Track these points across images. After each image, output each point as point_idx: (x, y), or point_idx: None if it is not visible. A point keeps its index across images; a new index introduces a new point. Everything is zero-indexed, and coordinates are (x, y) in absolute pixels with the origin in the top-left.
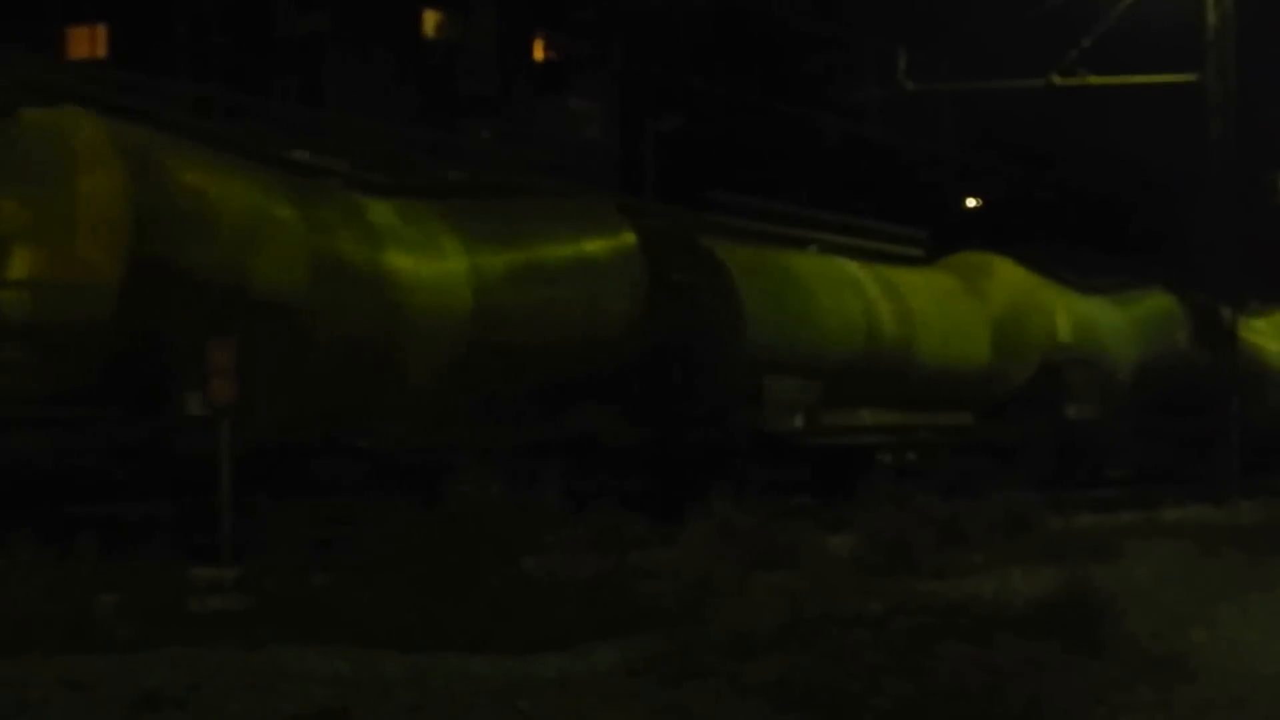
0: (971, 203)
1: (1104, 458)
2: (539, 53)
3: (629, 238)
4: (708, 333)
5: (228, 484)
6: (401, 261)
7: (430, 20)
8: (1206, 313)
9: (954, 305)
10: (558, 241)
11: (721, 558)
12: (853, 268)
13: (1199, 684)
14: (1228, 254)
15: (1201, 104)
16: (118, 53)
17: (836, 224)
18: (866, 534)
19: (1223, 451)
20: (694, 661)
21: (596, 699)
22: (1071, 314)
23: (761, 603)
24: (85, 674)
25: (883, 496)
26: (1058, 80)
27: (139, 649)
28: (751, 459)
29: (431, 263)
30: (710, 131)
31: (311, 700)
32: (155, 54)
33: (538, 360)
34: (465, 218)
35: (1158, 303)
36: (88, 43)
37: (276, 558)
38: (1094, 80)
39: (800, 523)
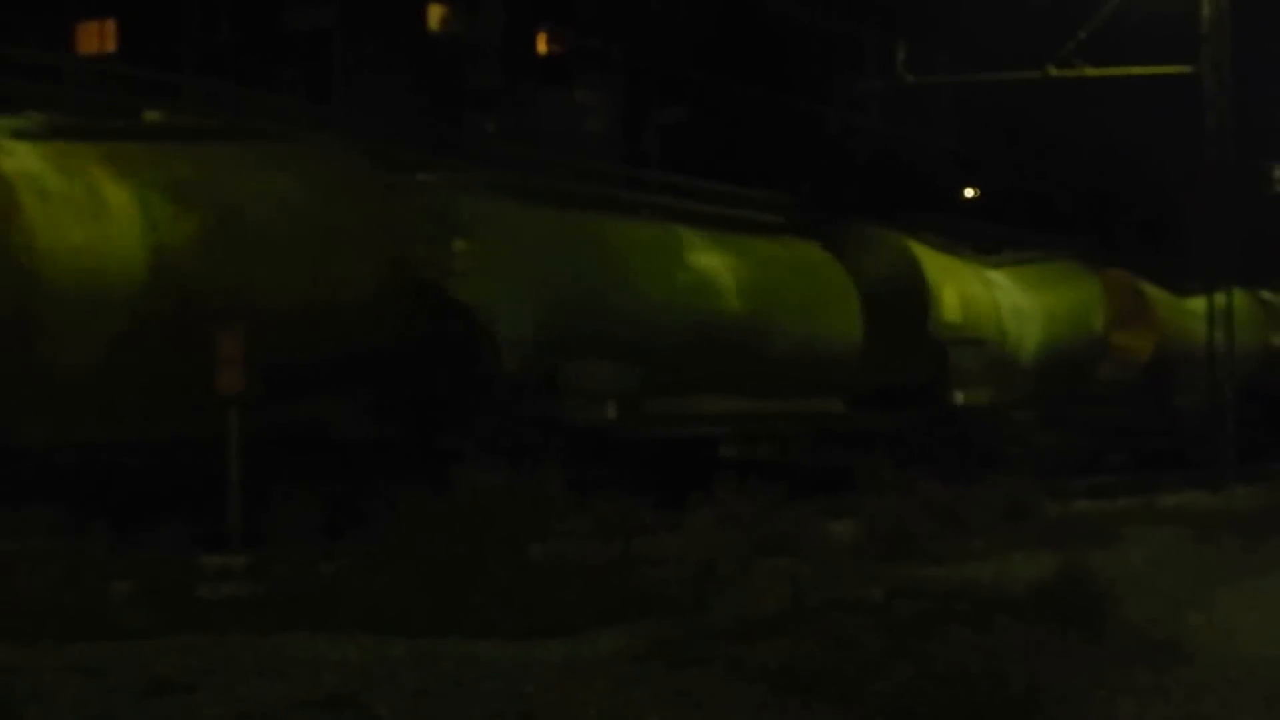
0: (970, 193)
1: (999, 449)
2: (543, 46)
3: (372, 192)
4: (471, 312)
5: (236, 472)
6: (39, 218)
7: (435, 14)
8: (1133, 295)
9: (821, 279)
10: (272, 196)
11: (724, 544)
12: (687, 235)
13: (1196, 667)
14: (1223, 244)
15: (1197, 95)
16: (127, 48)
17: (682, 189)
18: (867, 520)
19: (1218, 438)
20: (697, 647)
21: (601, 684)
22: (963, 292)
23: (764, 588)
24: (97, 660)
25: (884, 483)
26: (1054, 72)
27: (150, 636)
28: (550, 454)
29: (86, 221)
30: (713, 124)
31: (320, 686)
32: (163, 48)
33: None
34: (142, 165)
35: (1075, 284)
36: (96, 38)
37: (286, 545)
38: (1090, 72)
39: (802, 509)
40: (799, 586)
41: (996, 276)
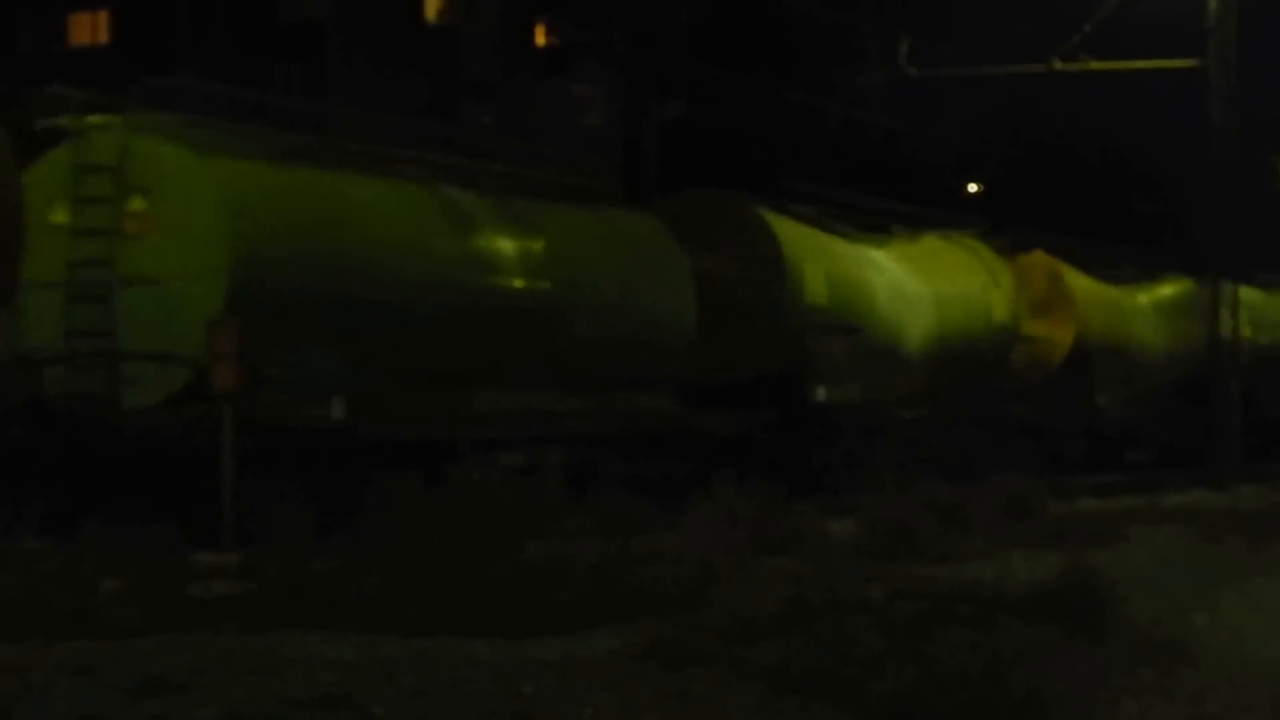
0: (973, 188)
1: (868, 452)
2: (541, 38)
3: None
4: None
5: (230, 470)
6: None
7: (432, 5)
8: (1051, 281)
9: (644, 254)
10: None
11: (724, 543)
12: (460, 199)
13: (1200, 668)
14: (1228, 238)
15: (1203, 89)
16: (119, 39)
17: (471, 146)
18: (868, 519)
19: (1223, 436)
20: (696, 646)
21: (598, 683)
22: (832, 272)
23: (763, 587)
24: (88, 659)
25: (885, 481)
26: (1059, 65)
27: (142, 634)
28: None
29: None
30: (713, 118)
31: (314, 685)
32: (157, 40)
33: None
34: None
35: (978, 267)
36: (89, 29)
37: (279, 543)
38: (1095, 65)
39: (802, 508)
40: (799, 585)
41: (881, 257)
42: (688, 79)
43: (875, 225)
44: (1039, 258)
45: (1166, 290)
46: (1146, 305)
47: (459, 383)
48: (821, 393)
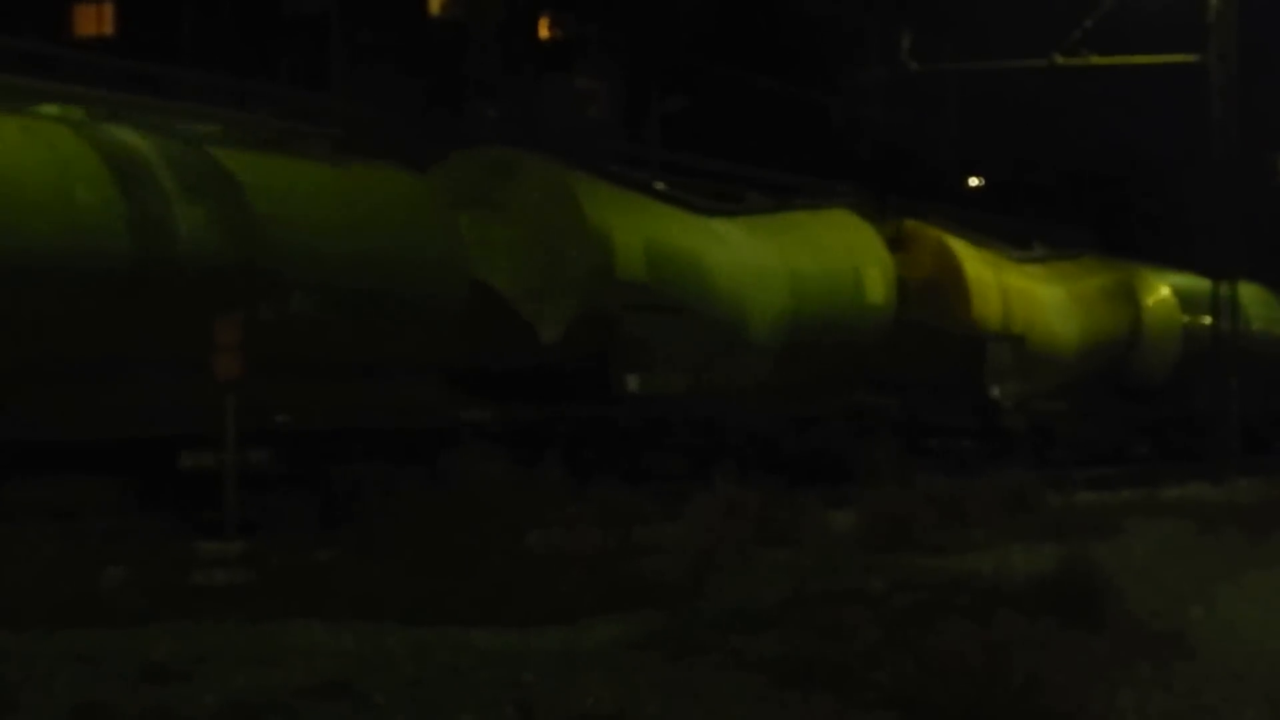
0: (974, 182)
1: (697, 450)
2: (544, 32)
3: None
4: None
5: (232, 459)
6: None
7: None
8: (943, 257)
9: (397, 218)
10: None
11: (724, 534)
12: (123, 139)
13: (1198, 660)
14: (1228, 235)
15: (1203, 85)
16: (124, 31)
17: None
18: (868, 511)
19: (1221, 430)
20: (696, 636)
21: (599, 673)
22: (655, 244)
23: (763, 579)
24: (92, 647)
25: (885, 474)
26: (1060, 60)
27: (145, 622)
28: None
29: None
30: (715, 112)
31: (316, 673)
32: (162, 33)
33: None
34: None
35: (847, 241)
36: (94, 21)
37: (281, 532)
38: (1096, 60)
39: (802, 500)
40: (799, 577)
41: (726, 229)
42: (690, 74)
43: (728, 194)
44: (927, 234)
45: (1085, 274)
46: (1059, 290)
47: (102, 368)
48: (634, 382)
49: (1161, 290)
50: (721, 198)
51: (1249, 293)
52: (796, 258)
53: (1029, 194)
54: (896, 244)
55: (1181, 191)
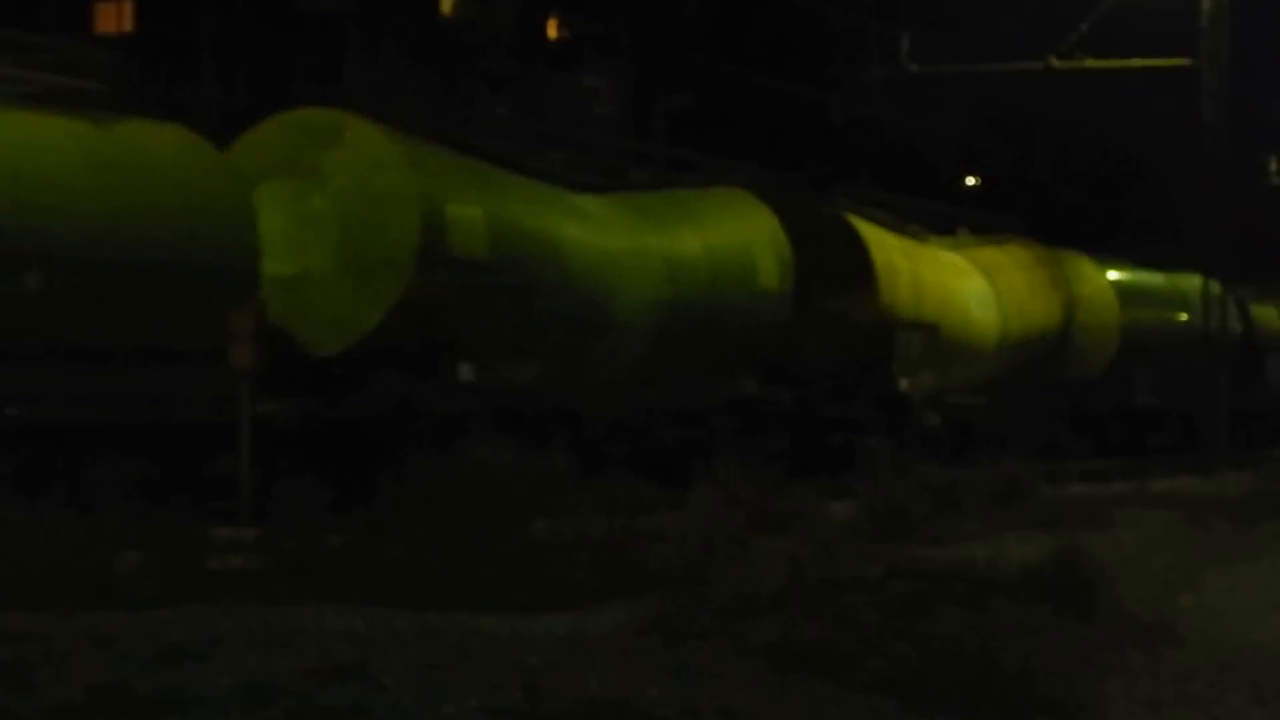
0: (970, 181)
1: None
2: (553, 32)
3: None
4: None
5: (248, 446)
6: None
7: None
8: (848, 245)
9: (168, 182)
10: None
11: (725, 523)
12: None
13: (1186, 649)
14: (1221, 236)
15: (1196, 88)
16: (144, 28)
17: None
18: (866, 501)
19: (1211, 424)
20: (698, 622)
21: (603, 657)
22: (501, 220)
23: (763, 566)
24: (108, 629)
25: (881, 465)
26: (1056, 63)
27: (160, 605)
28: None
29: None
30: (720, 110)
31: (328, 656)
32: (181, 30)
33: None
34: None
35: (732, 221)
36: (114, 19)
37: (295, 518)
38: (1092, 63)
39: (802, 489)
40: (798, 564)
41: (592, 206)
42: (695, 72)
43: (610, 170)
44: (835, 216)
45: (1012, 264)
46: (980, 280)
47: None
48: (467, 371)
49: (1097, 281)
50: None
51: (1194, 286)
52: (677, 238)
53: (1025, 194)
54: (799, 226)
55: (1174, 192)
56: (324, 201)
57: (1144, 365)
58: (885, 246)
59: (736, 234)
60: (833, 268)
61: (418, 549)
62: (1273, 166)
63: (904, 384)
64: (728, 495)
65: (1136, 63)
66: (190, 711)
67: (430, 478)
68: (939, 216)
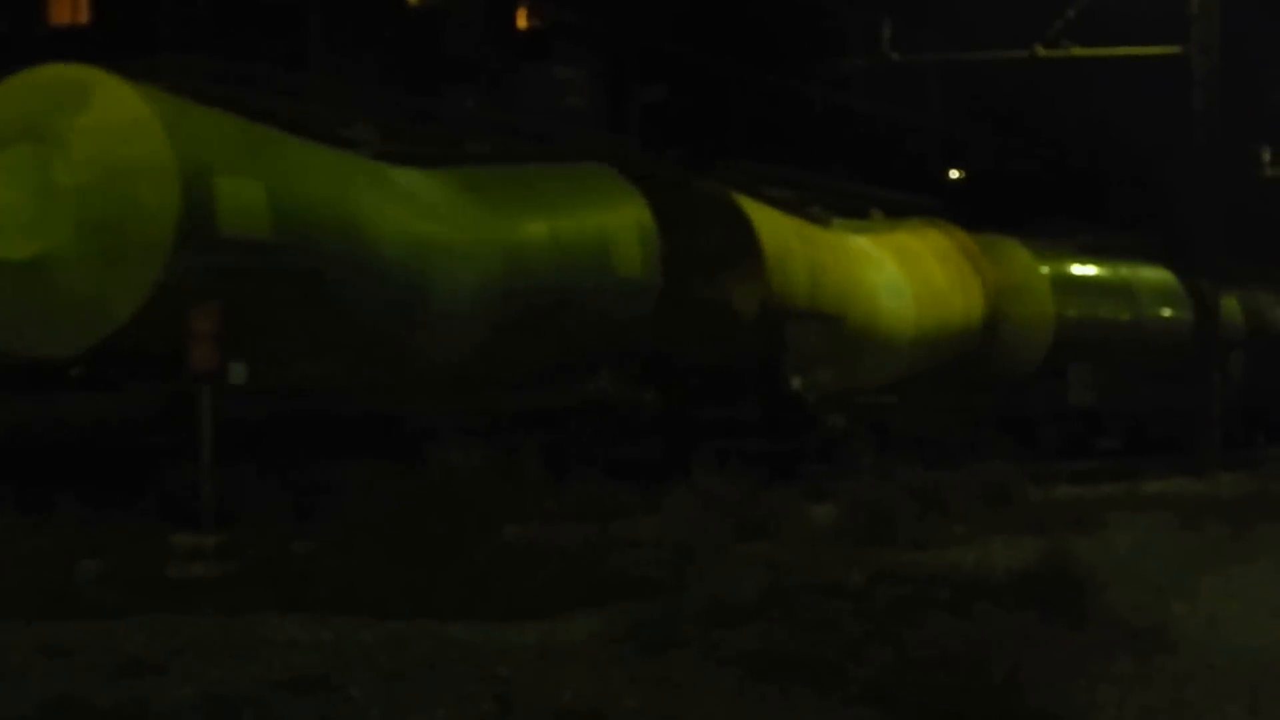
0: (954, 174)
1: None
2: (523, 21)
3: None
4: None
5: (208, 451)
6: None
7: None
8: (729, 225)
9: None
10: None
11: (703, 527)
12: None
13: (1179, 655)
14: (1212, 226)
15: (1186, 76)
16: (100, 16)
17: None
18: (847, 504)
19: (1203, 423)
20: (674, 630)
21: (577, 667)
22: (281, 190)
23: (742, 572)
24: (65, 640)
25: (864, 467)
26: (1042, 52)
27: (120, 615)
28: None
29: None
30: (695, 101)
31: (292, 667)
32: (138, 19)
33: None
34: None
35: (590, 202)
36: (69, 9)
37: (258, 525)
38: (1078, 52)
39: (782, 493)
40: (778, 570)
41: (410, 181)
42: (670, 62)
43: (442, 141)
44: (712, 192)
45: (930, 251)
46: (892, 267)
47: None
48: (239, 373)
49: (1030, 271)
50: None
51: (1154, 278)
52: (519, 219)
53: (1010, 185)
54: (671, 207)
55: (1166, 182)
56: (64, 173)
57: (1085, 362)
58: (778, 230)
59: (592, 215)
60: (711, 253)
61: (385, 556)
62: (1265, 157)
63: (797, 382)
64: (706, 499)
65: (1125, 51)
66: None
67: (398, 483)
68: (852, 198)
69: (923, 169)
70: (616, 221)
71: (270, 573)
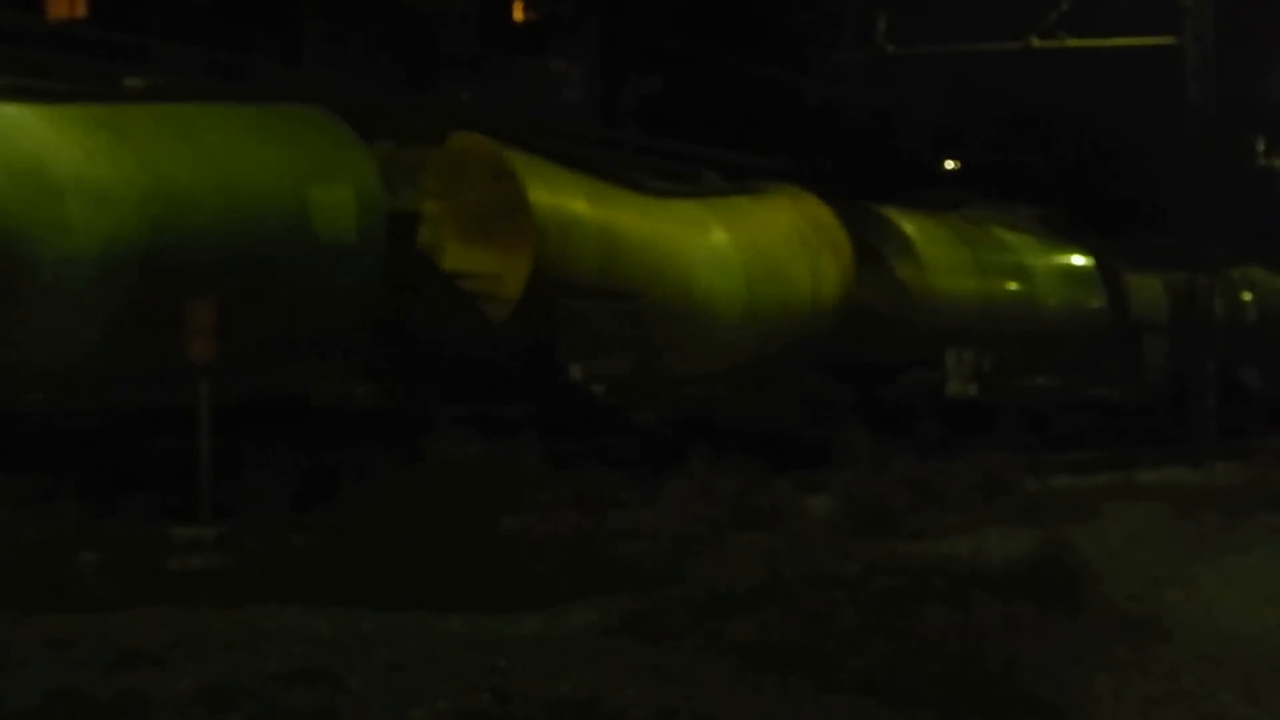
0: (950, 165)
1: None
2: (519, 14)
3: None
4: None
5: (207, 442)
6: None
7: None
8: (498, 182)
9: None
10: None
11: (700, 518)
12: None
13: (1175, 644)
14: (1207, 217)
15: (1180, 67)
16: (97, 10)
17: None
18: (844, 495)
19: (1198, 413)
20: (671, 621)
21: (574, 658)
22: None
23: (739, 563)
24: (65, 632)
25: (861, 458)
26: (1036, 43)
27: (119, 607)
28: None
29: None
30: (691, 93)
31: (290, 659)
32: (134, 13)
33: None
34: None
35: (282, 153)
36: (67, 3)
37: (256, 517)
38: (1073, 42)
39: (779, 484)
40: (775, 561)
41: (25, 118)
42: (665, 55)
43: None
44: (476, 145)
45: (773, 219)
46: (722, 236)
47: None
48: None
49: (898, 245)
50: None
51: (1058, 257)
52: (166, 162)
53: (1005, 176)
54: (402, 158)
55: (1161, 173)
56: None
57: (965, 349)
58: (558, 188)
59: (279, 161)
60: (481, 212)
61: (382, 548)
62: (1260, 147)
63: (579, 371)
64: (702, 490)
65: (1119, 41)
66: (150, 716)
67: (395, 474)
68: (686, 160)
69: (918, 160)
70: (320, 174)
71: (269, 564)
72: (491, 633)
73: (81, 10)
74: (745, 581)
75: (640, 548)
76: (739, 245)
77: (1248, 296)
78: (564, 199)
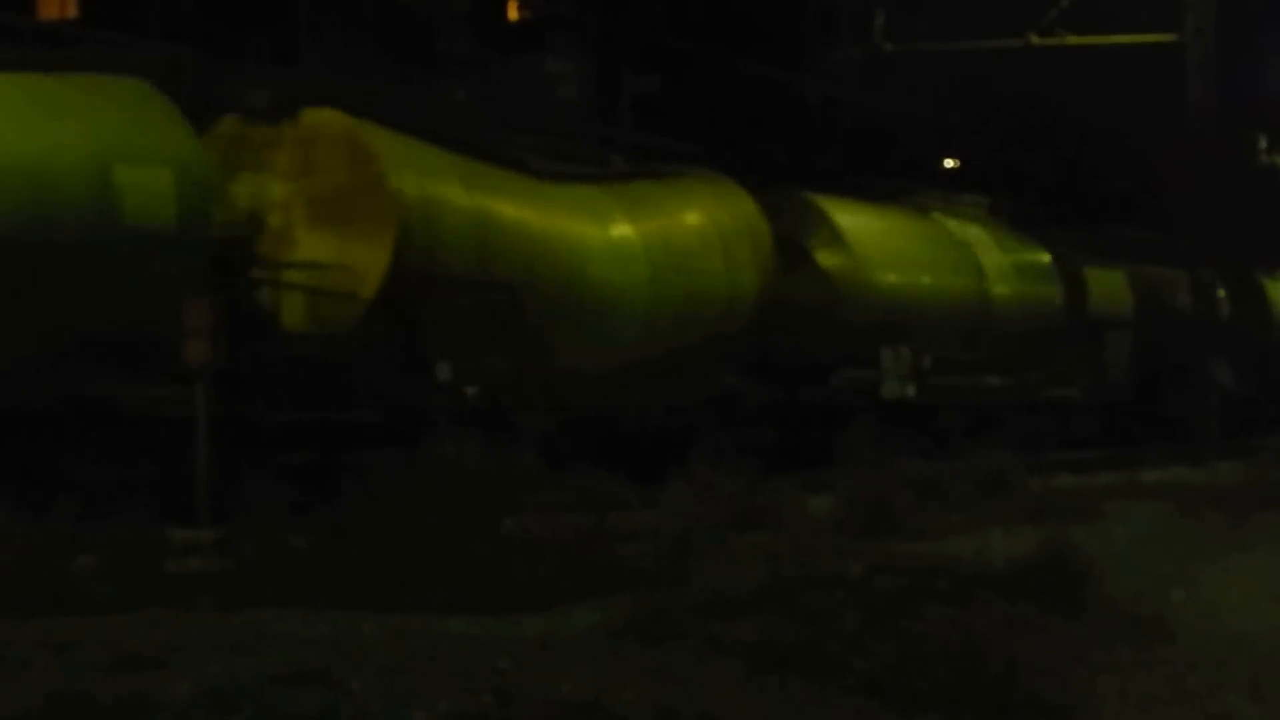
0: (949, 163)
1: None
2: (513, 13)
3: None
4: None
5: (205, 445)
6: None
7: None
8: (355, 165)
9: None
10: None
11: (701, 519)
12: None
13: (1179, 645)
14: (1209, 215)
15: (1182, 64)
16: (88, 11)
17: None
18: (846, 495)
19: (1202, 412)
20: (673, 622)
21: (575, 659)
22: None
23: (741, 564)
24: (64, 635)
25: (862, 458)
26: (1036, 40)
27: (118, 610)
28: None
29: None
30: (688, 92)
31: (292, 661)
32: (126, 13)
33: None
34: None
35: (88, 130)
36: (57, 3)
37: (255, 519)
38: (1073, 40)
39: (780, 484)
40: (776, 562)
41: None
42: (662, 53)
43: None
44: (332, 122)
45: (684, 208)
46: (623, 225)
47: None
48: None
49: (828, 236)
50: None
51: (1010, 249)
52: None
53: (1004, 174)
54: (233, 133)
55: (1162, 170)
56: None
57: (902, 346)
58: (424, 169)
59: (77, 139)
60: (337, 197)
61: (383, 549)
62: (1262, 144)
63: (446, 371)
64: (703, 491)
65: (1119, 39)
66: (151, 718)
67: (396, 476)
68: (603, 144)
69: (917, 158)
70: (129, 151)
71: (268, 567)
72: (493, 634)
73: (73, 10)
74: (747, 582)
75: (642, 549)
76: (642, 233)
77: (1222, 292)
78: (434, 183)
